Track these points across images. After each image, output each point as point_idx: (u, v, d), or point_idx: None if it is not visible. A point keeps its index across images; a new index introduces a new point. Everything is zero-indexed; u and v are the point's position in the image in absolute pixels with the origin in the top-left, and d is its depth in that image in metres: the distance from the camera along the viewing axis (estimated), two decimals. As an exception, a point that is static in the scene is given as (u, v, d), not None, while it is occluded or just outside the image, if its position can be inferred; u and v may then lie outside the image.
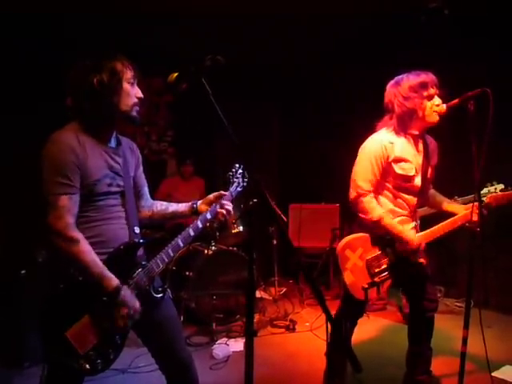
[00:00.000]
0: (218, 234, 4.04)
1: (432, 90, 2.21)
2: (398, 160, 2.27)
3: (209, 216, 1.89)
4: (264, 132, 6.10)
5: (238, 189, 2.02)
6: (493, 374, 2.56)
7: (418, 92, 2.20)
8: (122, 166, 1.74)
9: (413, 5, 3.71)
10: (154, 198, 2.04)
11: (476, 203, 2.06)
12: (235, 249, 4.06)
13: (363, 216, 2.29)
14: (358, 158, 2.35)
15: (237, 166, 2.05)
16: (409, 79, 2.23)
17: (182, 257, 3.96)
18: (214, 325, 3.60)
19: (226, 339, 3.46)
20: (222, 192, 1.95)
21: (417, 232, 2.33)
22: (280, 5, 3.79)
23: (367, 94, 3.01)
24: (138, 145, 1.94)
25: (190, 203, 1.96)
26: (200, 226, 1.86)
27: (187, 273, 3.79)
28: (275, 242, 4.62)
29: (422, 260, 2.32)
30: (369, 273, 2.29)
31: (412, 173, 2.29)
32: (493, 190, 2.29)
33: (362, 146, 2.36)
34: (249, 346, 1.43)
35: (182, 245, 1.80)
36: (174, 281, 3.84)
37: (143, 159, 1.94)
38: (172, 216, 1.99)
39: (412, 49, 4.02)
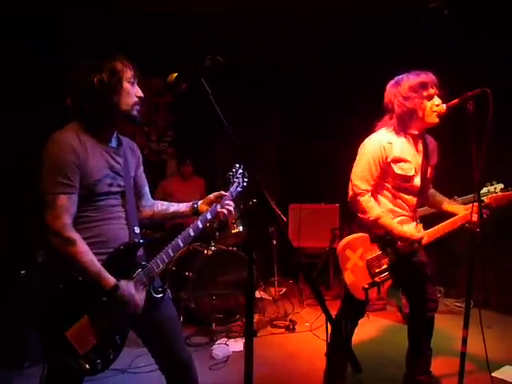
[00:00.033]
0: (217, 234, 4.04)
1: (432, 90, 2.21)
2: (397, 160, 2.27)
3: (209, 216, 1.89)
4: (264, 132, 6.10)
5: (238, 189, 2.02)
6: (493, 374, 2.56)
7: (417, 92, 2.20)
8: (123, 166, 1.74)
9: (413, 5, 3.70)
10: (153, 197, 2.03)
11: (476, 203, 2.06)
12: (235, 249, 4.06)
13: (361, 215, 2.29)
14: (357, 157, 2.36)
15: (237, 165, 2.05)
16: (409, 79, 2.23)
17: (181, 257, 3.96)
18: (213, 325, 3.60)
19: (226, 339, 3.46)
20: (223, 192, 1.95)
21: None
22: (280, 5, 3.79)
23: (367, 93, 3.01)
24: (137, 145, 1.94)
25: (191, 203, 1.96)
26: (200, 226, 1.86)
27: (187, 273, 3.78)
28: (275, 242, 4.62)
29: (423, 259, 2.32)
30: (369, 273, 2.29)
31: (411, 173, 2.29)
32: (492, 190, 2.29)
33: (361, 146, 2.36)
34: (248, 346, 1.43)
35: (182, 245, 1.80)
36: (173, 281, 3.84)
37: (143, 159, 1.94)
38: (173, 216, 1.99)
39: (412, 49, 4.02)
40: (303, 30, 4.40)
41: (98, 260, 1.58)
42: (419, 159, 2.33)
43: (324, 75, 5.34)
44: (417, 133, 2.31)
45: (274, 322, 3.90)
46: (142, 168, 1.92)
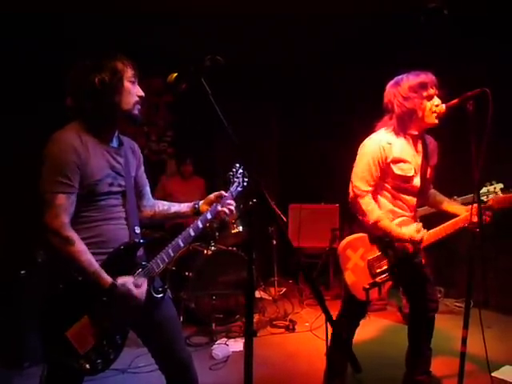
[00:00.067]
0: (217, 234, 4.04)
1: (432, 91, 2.21)
2: (397, 161, 2.26)
3: (209, 216, 1.90)
4: (264, 132, 6.10)
5: (239, 189, 2.02)
6: (493, 375, 2.56)
7: (417, 92, 2.20)
8: (124, 166, 1.74)
9: (413, 5, 3.71)
10: (153, 195, 2.04)
11: (476, 204, 2.06)
12: (235, 249, 4.06)
13: (361, 218, 2.29)
14: (356, 158, 2.35)
15: (237, 165, 2.06)
16: (408, 79, 2.23)
17: (181, 257, 3.96)
18: (213, 325, 3.60)
19: (226, 339, 3.46)
20: (223, 192, 1.95)
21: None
22: (280, 5, 3.79)
23: (367, 94, 3.01)
24: (138, 145, 1.94)
25: (192, 203, 1.96)
26: (200, 226, 1.86)
27: (187, 273, 3.78)
28: (275, 242, 4.62)
29: (423, 260, 2.32)
30: (370, 273, 2.29)
31: (411, 173, 2.29)
32: (492, 190, 2.28)
33: (361, 147, 2.36)
34: (248, 346, 1.43)
35: (182, 245, 1.80)
36: (173, 281, 3.84)
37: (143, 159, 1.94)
38: (174, 216, 2.00)
39: (412, 49, 4.02)
40: (303, 29, 4.40)
41: (98, 260, 1.58)
42: (419, 159, 2.33)
43: (324, 75, 5.34)
44: (416, 133, 2.31)
45: (274, 322, 3.90)
46: (142, 168, 1.92)
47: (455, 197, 2.64)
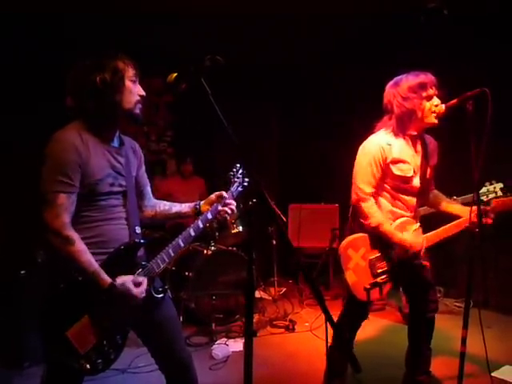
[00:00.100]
0: (217, 234, 4.04)
1: (431, 91, 2.21)
2: (396, 161, 2.26)
3: (210, 216, 1.90)
4: (264, 132, 6.10)
5: (239, 189, 2.03)
6: (493, 374, 2.57)
7: (417, 92, 2.20)
8: (125, 166, 1.74)
9: (413, 5, 3.71)
10: (153, 197, 2.04)
11: (477, 207, 2.04)
12: (235, 249, 4.06)
13: (363, 221, 2.29)
14: (356, 160, 2.35)
15: (238, 165, 2.06)
16: (408, 80, 2.23)
17: (181, 257, 3.96)
18: (213, 325, 3.61)
19: (226, 339, 3.46)
20: (223, 192, 1.95)
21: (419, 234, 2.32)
22: (280, 5, 3.79)
23: (367, 94, 3.01)
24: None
25: (193, 204, 1.97)
26: (201, 226, 1.87)
27: (187, 273, 3.78)
28: (275, 242, 4.62)
29: (425, 263, 2.31)
30: (371, 273, 2.29)
31: (410, 174, 2.29)
32: (492, 190, 2.28)
33: (361, 148, 2.36)
34: (248, 346, 1.43)
35: (182, 245, 1.81)
36: (173, 281, 3.84)
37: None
38: (175, 216, 2.00)
39: (412, 49, 4.02)
40: (303, 29, 4.40)
41: (99, 260, 1.58)
42: (418, 160, 2.33)
43: (324, 75, 5.34)
44: (415, 133, 2.31)
45: (274, 322, 3.90)
46: (143, 167, 1.92)
47: (455, 197, 2.64)
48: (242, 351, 3.26)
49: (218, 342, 3.42)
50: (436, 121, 2.22)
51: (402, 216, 2.33)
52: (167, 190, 4.58)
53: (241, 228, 4.17)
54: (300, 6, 3.84)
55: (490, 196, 2.29)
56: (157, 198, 2.04)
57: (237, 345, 3.38)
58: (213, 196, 1.96)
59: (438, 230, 2.30)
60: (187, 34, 4.29)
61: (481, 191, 2.28)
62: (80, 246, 1.55)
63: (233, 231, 4.13)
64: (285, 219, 3.77)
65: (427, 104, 2.21)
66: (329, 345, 2.38)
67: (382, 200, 2.34)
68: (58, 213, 1.54)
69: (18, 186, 3.72)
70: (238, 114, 3.13)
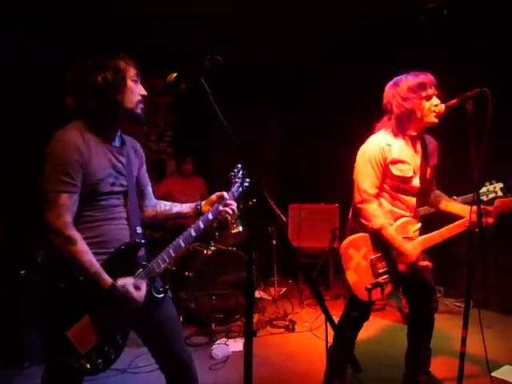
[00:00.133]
0: (217, 234, 4.04)
1: (430, 91, 2.21)
2: (396, 161, 2.26)
3: (210, 216, 1.90)
4: (264, 132, 6.10)
5: (240, 189, 2.03)
6: (492, 374, 2.57)
7: (416, 92, 2.20)
8: (126, 166, 1.74)
9: (413, 5, 3.71)
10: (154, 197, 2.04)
11: (477, 207, 2.04)
12: (234, 249, 4.06)
13: (364, 222, 2.29)
14: (357, 161, 2.35)
15: (238, 166, 2.06)
16: (407, 80, 2.23)
17: (181, 257, 3.96)
18: (213, 325, 3.61)
19: (226, 339, 3.46)
20: (224, 193, 1.95)
21: (420, 234, 2.32)
22: (280, 5, 3.79)
23: (367, 94, 3.01)
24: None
25: (194, 204, 1.97)
26: (202, 226, 1.87)
27: (187, 273, 3.78)
28: (274, 242, 4.62)
29: (427, 263, 2.30)
30: (373, 273, 2.28)
31: (410, 174, 2.29)
32: (492, 189, 2.28)
33: (361, 149, 2.36)
34: (248, 346, 1.43)
35: (183, 245, 1.81)
36: (173, 281, 3.84)
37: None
38: (176, 217, 2.00)
39: (412, 49, 4.02)
40: (303, 29, 4.40)
41: (99, 260, 1.58)
42: (418, 160, 2.33)
43: (324, 75, 5.35)
44: (415, 134, 2.31)
45: (274, 322, 3.90)
46: (144, 167, 1.92)
47: (455, 196, 2.64)
48: (241, 351, 3.26)
49: (217, 342, 3.42)
50: (436, 120, 2.22)
51: (402, 216, 2.33)
52: (167, 190, 4.58)
53: (241, 228, 4.17)
54: (300, 6, 3.85)
55: (490, 196, 2.29)
56: (156, 198, 2.05)
57: (237, 345, 3.38)
58: (214, 196, 1.96)
59: (441, 229, 2.29)
60: (187, 33, 4.29)
61: (481, 191, 2.28)
62: (82, 246, 1.55)
63: (233, 231, 4.13)
64: (285, 219, 3.77)
65: (426, 104, 2.21)
66: (329, 345, 2.39)
67: (382, 200, 2.34)
68: (60, 212, 1.54)
69: (18, 186, 3.73)
70: (238, 113, 3.13)
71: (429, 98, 2.21)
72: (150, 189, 1.97)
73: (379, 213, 2.27)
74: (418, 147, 2.35)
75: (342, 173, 2.46)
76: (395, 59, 3.73)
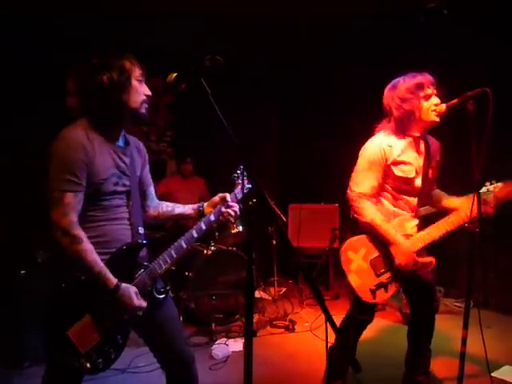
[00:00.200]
0: (217, 234, 4.04)
1: (429, 90, 2.21)
2: (398, 162, 2.26)
3: (212, 218, 1.90)
4: (263, 132, 6.10)
5: (243, 191, 2.02)
6: (492, 375, 2.57)
7: (414, 93, 2.20)
8: (129, 166, 1.74)
9: (413, 5, 3.71)
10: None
11: (478, 206, 2.03)
12: (234, 249, 4.06)
13: (356, 216, 2.29)
14: (358, 161, 2.35)
15: (241, 167, 2.05)
16: (405, 82, 2.24)
17: (181, 257, 3.94)
18: (213, 325, 3.61)
19: (226, 339, 3.46)
20: (227, 194, 1.95)
21: (418, 231, 2.31)
22: (280, 5, 3.79)
23: (367, 94, 3.01)
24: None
25: (197, 205, 1.97)
26: (204, 227, 1.87)
27: (187, 273, 3.78)
28: (274, 242, 4.61)
29: (430, 259, 2.28)
30: (375, 273, 2.27)
31: (412, 175, 2.29)
32: (492, 189, 2.28)
33: (362, 149, 2.36)
34: (248, 346, 1.43)
35: (184, 246, 1.81)
36: (173, 281, 3.84)
37: None
38: (178, 218, 2.01)
39: (412, 49, 4.02)
40: (303, 29, 4.40)
41: (102, 260, 1.58)
42: (420, 161, 2.32)
43: (324, 75, 5.35)
44: (418, 134, 2.30)
45: (274, 322, 3.90)
46: (147, 167, 1.92)
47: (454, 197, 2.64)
48: (241, 351, 3.25)
49: (217, 342, 3.42)
50: (437, 118, 2.21)
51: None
52: (167, 190, 4.58)
53: (241, 228, 4.17)
54: (300, 6, 3.84)
55: (490, 196, 2.28)
56: (157, 198, 2.04)
57: (237, 345, 3.38)
58: (216, 198, 1.96)
59: (439, 222, 2.25)
60: (187, 33, 4.29)
61: (481, 191, 2.27)
62: (87, 246, 1.55)
63: (233, 231, 4.13)
64: (285, 219, 3.77)
65: (425, 103, 2.20)
66: (330, 346, 2.38)
67: (384, 200, 2.35)
68: (66, 212, 1.54)
69: (18, 186, 3.73)
70: (238, 113, 3.12)
71: (428, 97, 2.21)
72: (152, 189, 1.97)
73: (370, 206, 2.27)
74: (422, 148, 2.34)
75: (341, 173, 2.46)
76: (395, 59, 3.73)
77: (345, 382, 2.49)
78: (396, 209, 2.34)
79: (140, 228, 1.75)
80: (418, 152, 2.33)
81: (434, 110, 2.20)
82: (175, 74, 1.55)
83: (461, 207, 2.25)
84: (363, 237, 2.33)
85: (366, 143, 2.36)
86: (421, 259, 2.25)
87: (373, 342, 3.43)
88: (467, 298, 1.97)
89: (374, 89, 2.46)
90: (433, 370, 2.53)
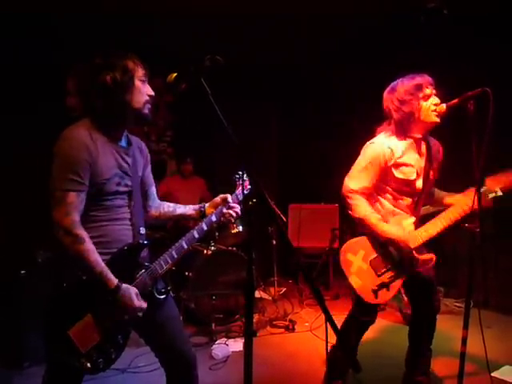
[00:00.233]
0: (217, 234, 4.04)
1: (428, 90, 2.21)
2: (399, 164, 2.26)
3: (214, 219, 1.90)
4: (263, 132, 6.11)
5: (245, 191, 2.02)
6: (492, 375, 2.57)
7: (413, 94, 2.19)
8: (131, 166, 1.74)
9: (413, 5, 3.71)
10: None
11: (478, 206, 2.03)
12: (234, 249, 4.05)
13: (349, 212, 2.30)
14: (358, 158, 2.35)
15: (242, 169, 2.05)
16: (403, 84, 2.24)
17: (181, 257, 3.95)
18: (213, 325, 3.60)
19: (226, 339, 3.46)
20: (228, 195, 1.95)
21: (415, 228, 2.30)
22: (280, 5, 3.79)
23: (367, 94, 3.01)
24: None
25: (198, 206, 1.97)
26: (205, 228, 1.87)
27: (187, 273, 3.78)
28: (274, 242, 4.61)
29: (431, 256, 2.28)
30: (376, 273, 2.27)
31: (413, 177, 2.28)
32: (492, 189, 2.28)
33: (364, 148, 2.36)
34: (248, 346, 1.43)
35: (186, 247, 1.81)
36: (173, 281, 3.84)
37: None
38: (179, 218, 2.01)
39: (412, 49, 4.02)
40: (303, 29, 4.40)
41: (103, 260, 1.58)
42: (422, 163, 2.32)
43: (324, 75, 5.34)
44: (420, 136, 2.30)
45: (274, 322, 3.90)
46: (149, 168, 1.93)
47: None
48: (241, 351, 3.26)
49: (217, 342, 3.41)
50: (438, 119, 2.20)
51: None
52: (167, 189, 4.59)
53: (241, 228, 4.17)
54: (300, 6, 3.84)
55: (490, 196, 2.28)
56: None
57: (237, 345, 3.38)
58: (218, 199, 1.96)
59: (436, 218, 2.24)
60: (187, 33, 4.29)
61: (481, 191, 2.27)
62: (89, 246, 1.55)
63: (233, 231, 4.13)
64: (285, 219, 3.77)
65: (424, 104, 2.20)
66: (331, 347, 2.38)
67: (384, 201, 2.35)
68: (68, 211, 1.54)
69: (18, 186, 3.73)
70: (238, 113, 3.12)
71: (427, 97, 2.20)
72: (153, 189, 1.97)
73: (363, 203, 2.27)
74: (423, 149, 2.34)
75: (342, 173, 2.46)
76: (395, 59, 3.73)
77: (345, 382, 2.49)
78: (396, 209, 2.34)
79: (141, 228, 1.75)
80: (420, 153, 2.32)
81: (435, 110, 2.20)
82: (175, 74, 1.55)
83: (457, 203, 2.24)
84: (362, 238, 2.33)
85: (368, 142, 2.35)
86: (421, 256, 2.25)
87: (373, 342, 3.43)
88: (467, 298, 1.96)
89: (374, 89, 2.46)
90: (433, 369, 2.53)
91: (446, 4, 3.69)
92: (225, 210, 1.92)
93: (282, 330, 3.77)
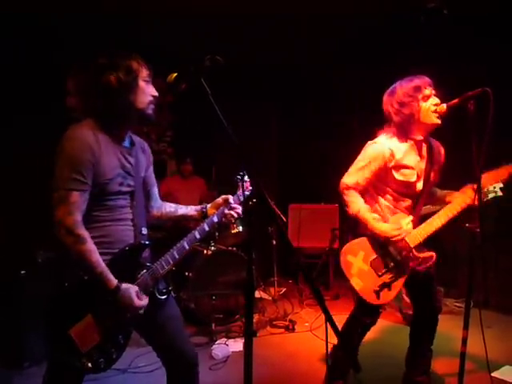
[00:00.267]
0: (217, 234, 4.04)
1: (427, 91, 2.20)
2: (399, 167, 2.26)
3: (215, 219, 1.90)
4: (263, 132, 6.10)
5: (246, 192, 2.02)
6: (492, 375, 2.57)
7: (412, 96, 2.19)
8: (134, 166, 1.74)
9: (413, 5, 3.71)
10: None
11: (478, 205, 2.03)
12: (234, 249, 4.05)
13: (346, 209, 2.32)
14: (357, 158, 2.35)
15: (243, 170, 2.05)
16: (402, 86, 2.24)
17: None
18: (213, 325, 3.60)
19: (226, 339, 3.46)
20: (230, 196, 1.96)
21: (414, 227, 2.29)
22: (280, 5, 3.79)
23: (367, 94, 3.01)
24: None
25: (200, 207, 1.98)
26: (206, 229, 1.88)
27: (187, 273, 3.78)
28: (274, 242, 4.61)
29: (430, 254, 2.28)
30: (377, 274, 2.27)
31: (413, 179, 2.28)
32: (492, 189, 2.28)
33: (365, 147, 2.35)
34: (248, 346, 1.43)
35: (187, 247, 1.81)
36: (173, 281, 3.84)
37: None
38: (181, 219, 2.01)
39: (412, 49, 4.02)
40: (303, 29, 4.40)
41: (104, 260, 1.59)
42: (422, 164, 2.32)
43: (324, 75, 5.34)
44: (421, 138, 2.29)
45: (274, 322, 3.90)
46: (151, 168, 1.93)
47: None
48: (241, 351, 3.25)
49: (217, 341, 3.41)
50: (438, 121, 2.20)
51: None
52: (167, 189, 4.58)
53: (241, 228, 4.17)
54: (300, 6, 3.84)
55: (490, 196, 2.28)
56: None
57: (237, 345, 3.38)
58: (219, 199, 1.96)
59: (433, 216, 2.24)
60: (187, 33, 4.29)
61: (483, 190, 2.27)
62: (91, 246, 1.55)
63: (233, 231, 4.13)
64: (285, 219, 3.77)
65: (424, 104, 2.20)
66: (331, 347, 2.37)
67: (384, 202, 2.35)
68: (71, 211, 1.53)
69: (18, 186, 3.73)
70: (238, 113, 3.12)
71: (426, 98, 2.20)
72: (155, 190, 1.97)
73: (357, 199, 2.28)
74: (424, 151, 2.33)
75: (341, 173, 2.46)
76: (395, 59, 3.73)
77: (346, 382, 2.49)
78: (396, 209, 2.34)
79: (143, 229, 1.75)
80: (421, 155, 2.32)
81: (435, 111, 2.19)
82: (175, 74, 1.55)
83: (455, 200, 2.25)
84: (362, 239, 2.33)
85: (369, 142, 2.35)
86: (421, 254, 2.25)
87: (373, 342, 3.42)
88: (467, 298, 1.96)
89: (374, 89, 2.46)
90: (433, 369, 2.53)
91: (445, 4, 3.68)
92: (226, 211, 1.93)
93: (282, 330, 3.77)
